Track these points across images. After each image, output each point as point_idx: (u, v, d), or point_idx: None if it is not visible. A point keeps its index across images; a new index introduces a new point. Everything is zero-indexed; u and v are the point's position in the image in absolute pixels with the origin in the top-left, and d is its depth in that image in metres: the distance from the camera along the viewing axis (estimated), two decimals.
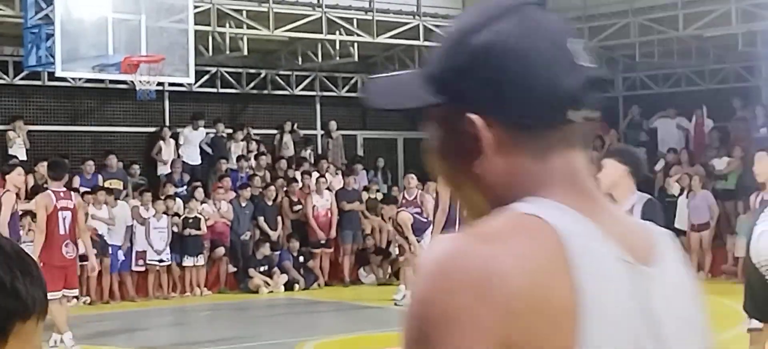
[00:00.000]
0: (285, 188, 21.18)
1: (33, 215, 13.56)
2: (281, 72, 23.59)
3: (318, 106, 24.53)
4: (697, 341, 1.49)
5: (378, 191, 22.13)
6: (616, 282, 1.40)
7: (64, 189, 12.43)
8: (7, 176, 13.28)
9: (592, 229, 1.42)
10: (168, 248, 18.95)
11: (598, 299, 1.36)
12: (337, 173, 22.23)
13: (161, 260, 18.90)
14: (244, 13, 20.12)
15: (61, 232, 11.88)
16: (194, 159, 21.53)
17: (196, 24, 17.98)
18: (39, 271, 1.46)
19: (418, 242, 15.92)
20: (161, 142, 21.22)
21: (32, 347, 1.44)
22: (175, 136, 21.53)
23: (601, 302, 1.36)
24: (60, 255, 11.80)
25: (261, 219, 20.38)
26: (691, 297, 1.51)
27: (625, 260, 1.43)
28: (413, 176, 19.64)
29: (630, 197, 6.95)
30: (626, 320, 1.39)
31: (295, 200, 20.98)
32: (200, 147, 21.79)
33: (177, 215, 19.36)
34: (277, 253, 20.18)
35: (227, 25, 20.06)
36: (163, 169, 21.15)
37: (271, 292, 19.45)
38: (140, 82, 16.99)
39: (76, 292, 12.43)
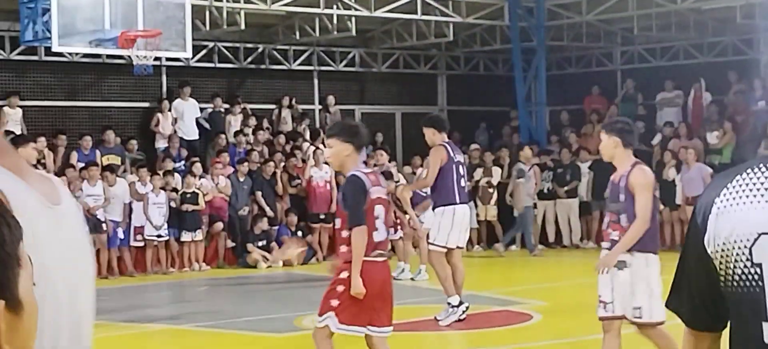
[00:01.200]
0: (283, 163, 21.17)
1: None
2: (279, 47, 23.55)
3: (316, 81, 24.50)
4: (86, 255, 1.85)
5: (375, 165, 22.10)
6: (42, 219, 1.72)
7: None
8: (19, 150, 13.34)
9: (17, 181, 1.71)
10: (166, 224, 18.95)
11: (29, 233, 1.60)
12: None
13: (160, 236, 18.90)
14: None
15: None
16: (191, 134, 21.51)
17: None
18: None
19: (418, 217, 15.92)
20: (160, 114, 21.19)
21: (27, 262, 1.52)
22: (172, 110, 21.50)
23: (32, 234, 1.63)
24: None
25: (259, 194, 20.38)
26: (81, 225, 1.89)
27: (44, 203, 1.75)
28: (383, 151, 19.68)
29: (352, 169, 7.52)
30: (50, 245, 1.71)
31: (294, 174, 20.97)
32: (198, 122, 21.77)
33: (175, 190, 19.36)
34: (276, 228, 20.20)
35: None
36: (161, 143, 21.14)
37: (270, 267, 19.47)
38: (137, 57, 16.96)
39: None
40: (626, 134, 7.98)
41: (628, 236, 7.70)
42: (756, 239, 2.25)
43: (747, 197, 2.30)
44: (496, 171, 22.10)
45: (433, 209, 12.26)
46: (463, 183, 12.29)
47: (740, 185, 2.32)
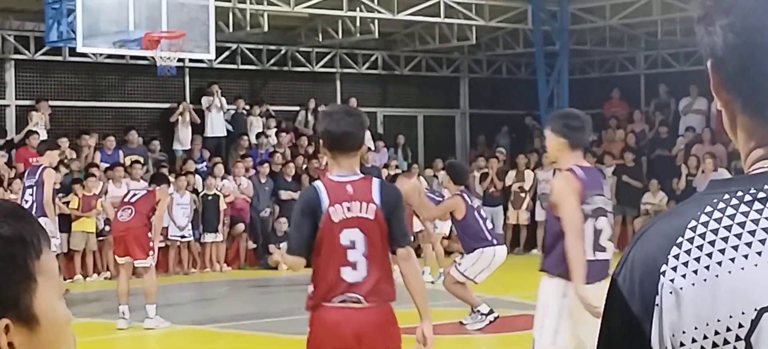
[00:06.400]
0: (305, 166, 21.18)
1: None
2: (301, 48, 23.57)
3: (338, 83, 24.51)
4: None
5: (397, 167, 22.12)
6: None
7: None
8: (48, 152, 13.79)
9: None
10: (190, 224, 19.00)
11: None
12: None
13: (183, 236, 18.96)
14: None
15: (125, 199, 12.83)
16: (218, 131, 21.56)
17: (216, 0, 17.97)
18: (29, 214, 1.53)
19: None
20: (179, 116, 21.21)
21: (53, 273, 1.51)
22: (195, 113, 21.54)
23: None
24: (116, 221, 12.65)
25: (281, 193, 20.41)
26: None
27: None
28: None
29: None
30: None
31: (315, 177, 20.97)
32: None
33: (196, 191, 19.41)
34: None
35: (248, 1, 20.04)
36: (181, 144, 21.15)
37: (290, 268, 19.45)
38: (161, 57, 17.01)
39: (144, 262, 12.62)
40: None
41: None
42: (756, 321, 1.41)
43: (728, 250, 1.43)
44: (529, 175, 22.03)
45: (471, 251, 11.79)
46: (489, 225, 12.18)
47: (710, 233, 1.45)
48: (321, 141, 5.48)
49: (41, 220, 13.42)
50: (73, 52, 18.59)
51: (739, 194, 1.48)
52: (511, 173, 22.23)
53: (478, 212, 11.93)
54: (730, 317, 1.40)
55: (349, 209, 5.30)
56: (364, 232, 5.29)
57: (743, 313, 1.40)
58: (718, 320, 1.41)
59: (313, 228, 5.34)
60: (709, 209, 1.47)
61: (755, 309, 1.40)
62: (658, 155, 23.05)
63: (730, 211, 1.46)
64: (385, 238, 5.36)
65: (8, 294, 1.42)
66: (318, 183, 5.48)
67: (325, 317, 5.50)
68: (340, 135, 5.32)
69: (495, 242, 11.87)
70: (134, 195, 12.86)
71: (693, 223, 1.46)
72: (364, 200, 5.31)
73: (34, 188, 13.64)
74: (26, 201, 13.58)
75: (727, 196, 1.48)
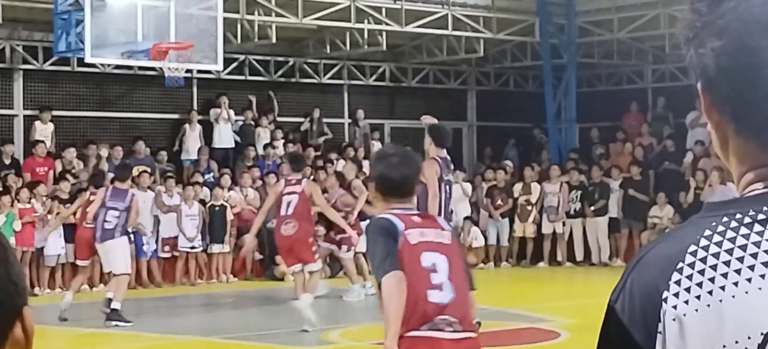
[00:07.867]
0: (313, 177, 21.17)
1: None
2: (309, 60, 23.61)
3: (346, 95, 24.54)
4: None
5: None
6: None
7: (298, 176, 13.97)
8: (130, 178, 14.79)
9: None
10: (200, 235, 19.04)
11: None
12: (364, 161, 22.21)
13: (193, 247, 19.00)
14: (273, 0, 20.16)
15: (282, 213, 13.56)
16: (227, 143, 21.58)
17: (224, 11, 18.03)
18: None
19: None
20: (187, 126, 21.24)
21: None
22: (203, 123, 21.57)
23: None
24: (279, 234, 13.60)
25: None
26: None
27: None
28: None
29: None
30: None
31: (323, 188, 20.95)
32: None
33: (203, 202, 19.43)
34: None
35: (256, 12, 20.10)
36: (189, 154, 21.18)
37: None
38: (169, 68, 17.05)
39: (313, 267, 13.58)
40: None
41: None
42: (762, 346, 1.38)
43: (731, 274, 1.40)
44: (536, 188, 22.03)
45: None
46: (451, 207, 11.58)
47: (711, 257, 1.42)
48: (374, 185, 5.29)
49: (123, 238, 13.86)
50: (81, 62, 18.65)
51: (738, 216, 1.43)
52: (518, 186, 22.24)
53: (445, 185, 11.33)
54: (736, 342, 1.37)
55: (423, 234, 5.06)
56: (445, 255, 5.05)
57: (749, 338, 1.37)
58: (724, 346, 1.38)
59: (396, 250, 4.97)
60: (708, 232, 1.43)
61: (761, 334, 1.37)
62: (666, 169, 23.01)
63: (730, 234, 1.42)
64: (464, 265, 5.16)
65: (21, 291, 1.40)
66: (384, 214, 5.17)
67: None
68: (399, 181, 5.17)
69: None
70: (288, 205, 13.53)
71: (693, 247, 1.42)
72: (435, 227, 5.16)
73: (123, 212, 13.88)
74: (108, 222, 13.77)
75: (725, 218, 1.43)
